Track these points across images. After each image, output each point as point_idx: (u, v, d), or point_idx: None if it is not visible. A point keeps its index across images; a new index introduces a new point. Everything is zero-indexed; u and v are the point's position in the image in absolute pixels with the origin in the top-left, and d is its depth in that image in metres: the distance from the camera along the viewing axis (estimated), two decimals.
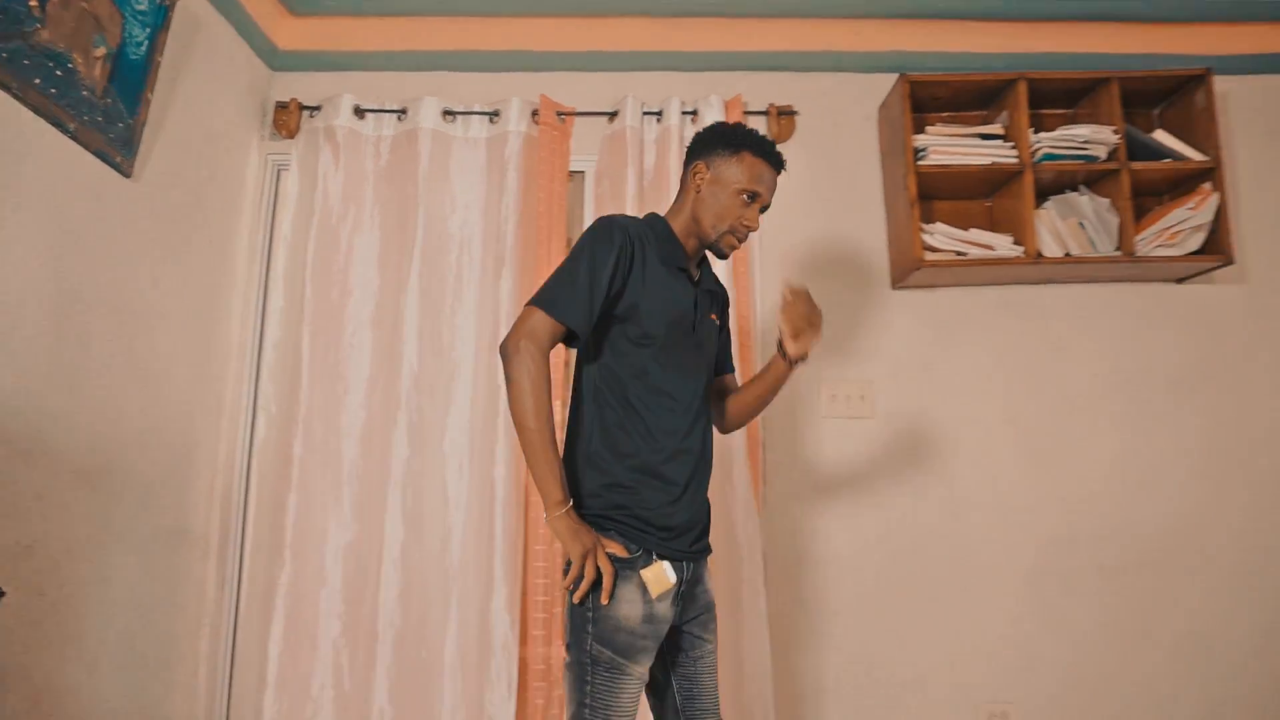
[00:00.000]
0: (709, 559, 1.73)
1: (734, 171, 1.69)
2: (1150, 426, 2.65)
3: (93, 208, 1.97)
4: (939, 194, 2.72)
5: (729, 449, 2.43)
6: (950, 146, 2.59)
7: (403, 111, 2.70)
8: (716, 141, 1.72)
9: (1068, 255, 2.53)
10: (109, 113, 1.97)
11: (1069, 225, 2.55)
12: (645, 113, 2.70)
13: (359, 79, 2.81)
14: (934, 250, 2.57)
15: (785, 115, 2.76)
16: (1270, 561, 2.58)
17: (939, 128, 2.64)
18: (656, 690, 1.70)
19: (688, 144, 1.81)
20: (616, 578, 1.52)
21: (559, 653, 2.46)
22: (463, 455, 2.51)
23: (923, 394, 2.67)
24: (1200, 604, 2.57)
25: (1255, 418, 2.66)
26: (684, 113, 2.69)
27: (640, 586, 1.53)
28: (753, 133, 1.72)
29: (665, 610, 1.56)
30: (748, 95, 2.76)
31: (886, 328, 2.70)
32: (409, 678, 2.40)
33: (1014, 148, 2.58)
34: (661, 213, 1.81)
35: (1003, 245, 2.55)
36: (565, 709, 1.54)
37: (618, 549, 1.54)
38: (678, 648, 1.66)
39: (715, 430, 1.85)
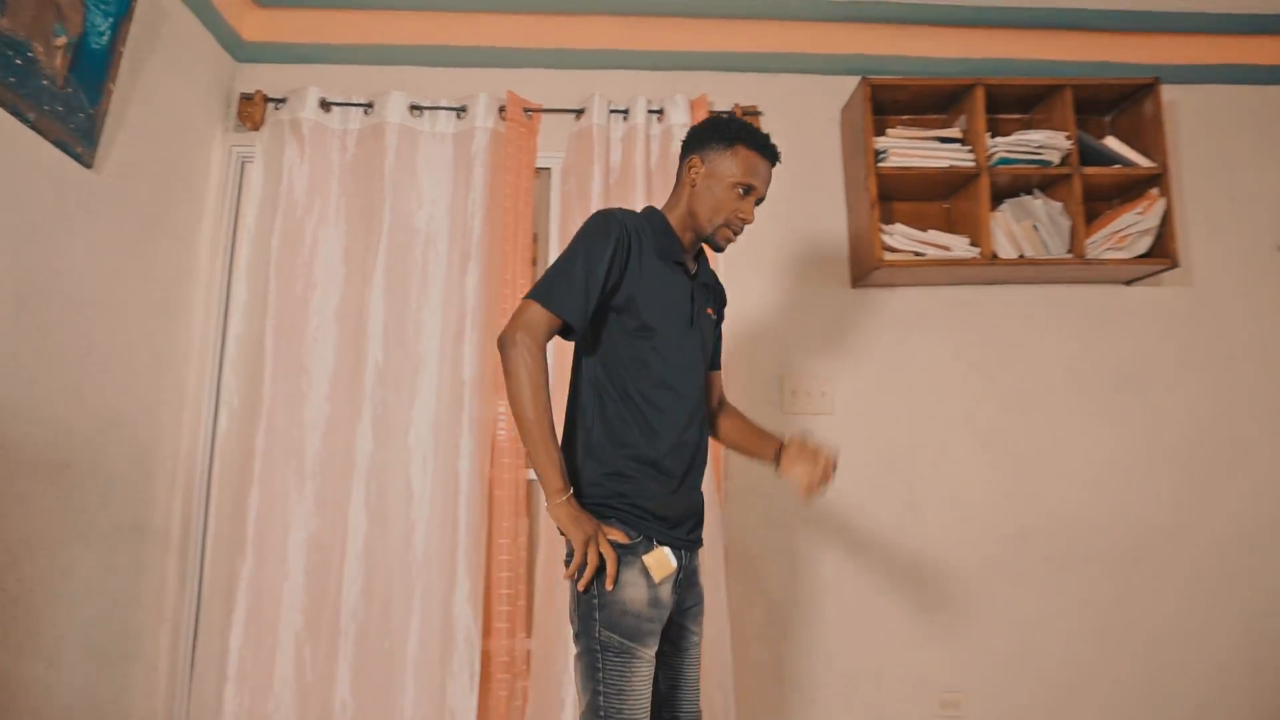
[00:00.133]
0: (699, 552, 1.76)
1: (728, 165, 1.70)
2: (1099, 424, 2.74)
3: (53, 199, 1.95)
4: (899, 195, 2.78)
5: None
6: (910, 149, 2.65)
7: (369, 105, 2.70)
8: (711, 135, 1.73)
9: (1022, 257, 2.60)
10: (70, 102, 1.95)
11: (1023, 228, 2.63)
12: (612, 111, 2.73)
13: (325, 72, 2.80)
14: (893, 250, 2.63)
15: (750, 115, 2.80)
16: (1207, 555, 2.69)
17: (899, 130, 2.70)
18: None
19: (681, 139, 1.82)
20: (619, 563, 1.54)
21: (522, 645, 2.49)
22: (427, 449, 2.52)
23: (881, 391, 2.73)
24: (1142, 596, 2.66)
25: (1197, 416, 2.76)
26: (650, 111, 2.72)
27: (643, 571, 1.55)
28: (747, 126, 1.74)
29: (667, 595, 1.59)
30: (713, 95, 2.79)
31: (847, 326, 2.76)
32: (371, 671, 2.41)
33: (971, 151, 2.64)
34: (640, 208, 1.83)
35: (959, 246, 2.62)
36: (580, 699, 1.55)
37: (619, 535, 1.56)
38: (666, 639, 1.67)
39: None
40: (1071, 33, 2.93)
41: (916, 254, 2.63)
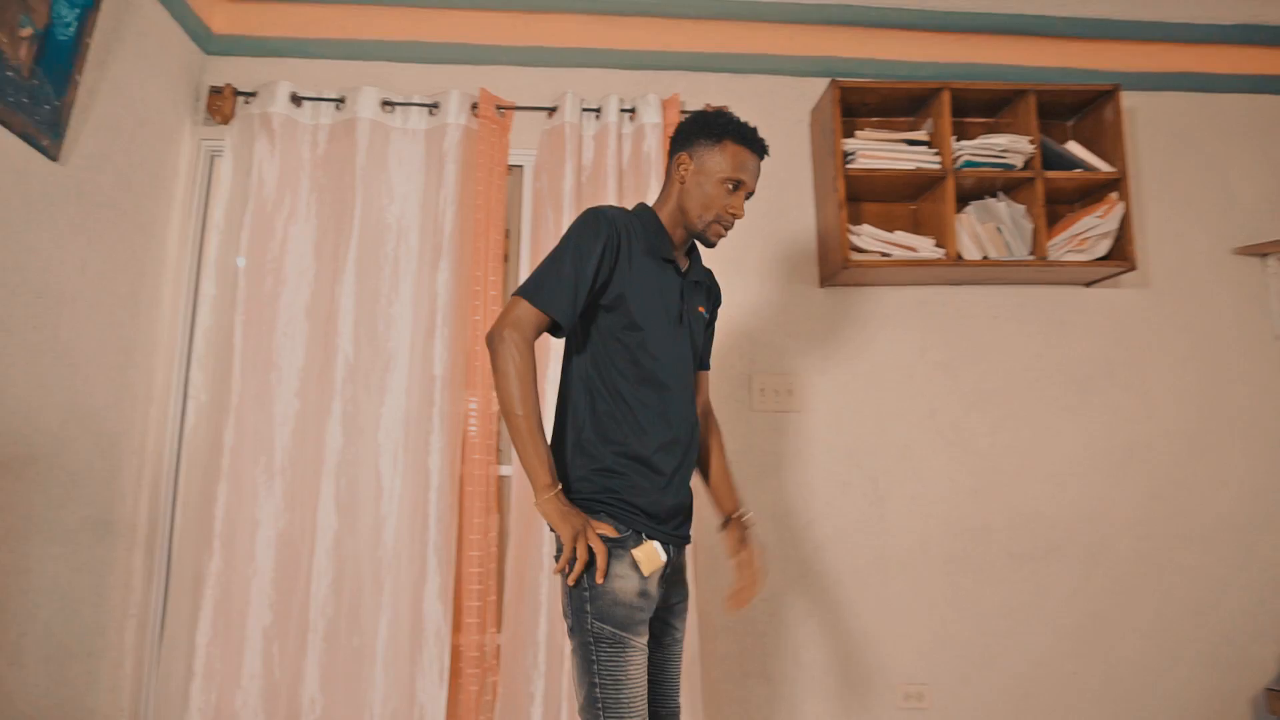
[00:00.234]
0: (686, 549, 1.77)
1: (717, 160, 1.70)
2: (1059, 422, 2.80)
3: (17, 191, 1.93)
4: (867, 196, 2.82)
5: None
6: (878, 151, 2.69)
7: (341, 100, 2.69)
8: (698, 131, 1.73)
9: (986, 258, 2.65)
10: (35, 94, 1.93)
11: (987, 230, 2.68)
12: (584, 109, 2.74)
13: (296, 66, 2.79)
14: (861, 251, 2.67)
15: None
16: (1161, 550, 2.76)
17: (868, 132, 2.74)
18: None
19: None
20: (609, 556, 1.55)
21: (493, 640, 2.50)
22: (397, 444, 2.52)
23: (849, 389, 2.78)
24: (1100, 589, 2.73)
25: (1153, 415, 2.83)
26: (622, 110, 2.74)
27: (632, 564, 1.57)
28: (734, 120, 1.74)
29: (654, 589, 1.60)
30: (685, 95, 2.82)
31: (815, 324, 2.80)
32: (341, 666, 2.41)
33: (937, 154, 2.69)
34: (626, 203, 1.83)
35: (925, 247, 2.67)
36: (577, 693, 1.56)
37: (608, 529, 1.57)
38: (649, 634, 1.68)
39: None
40: (1036, 39, 2.99)
41: (883, 254, 2.67)
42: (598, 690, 1.51)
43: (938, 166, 2.67)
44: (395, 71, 2.82)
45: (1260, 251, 2.90)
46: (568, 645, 1.60)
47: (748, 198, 1.76)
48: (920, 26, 2.95)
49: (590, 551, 1.53)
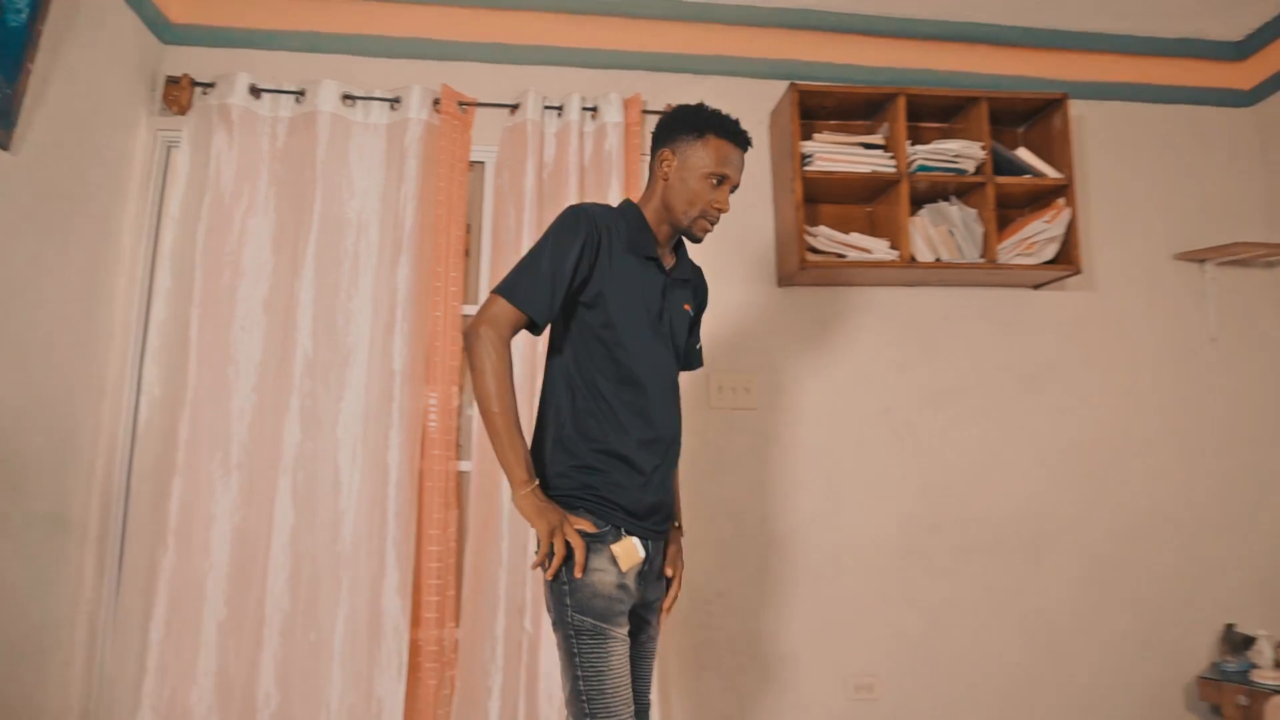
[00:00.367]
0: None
1: (700, 156, 1.69)
2: (1006, 420, 2.89)
3: None
4: (824, 198, 2.87)
5: None
6: (835, 154, 2.74)
7: (301, 93, 2.67)
8: (680, 126, 1.72)
9: (938, 260, 2.72)
10: None
11: (940, 233, 2.75)
12: (546, 107, 2.76)
13: (255, 58, 2.76)
14: (817, 252, 2.73)
15: None
16: (1103, 544, 2.86)
17: (825, 135, 2.79)
18: None
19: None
20: (587, 550, 1.55)
21: (451, 634, 2.51)
22: (356, 440, 2.52)
23: (804, 387, 2.83)
24: (1043, 582, 2.82)
25: (1097, 413, 2.93)
26: (584, 109, 2.76)
27: (611, 559, 1.58)
28: (716, 114, 1.72)
29: (633, 584, 1.61)
30: (647, 95, 2.84)
31: (772, 323, 2.85)
32: (297, 662, 2.40)
33: (893, 158, 2.75)
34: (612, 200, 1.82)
35: (880, 249, 2.73)
36: (563, 687, 1.56)
37: (586, 525, 1.57)
38: None
39: None
40: (989, 48, 3.07)
41: (839, 255, 2.73)
42: (581, 683, 1.52)
43: (893, 170, 2.73)
44: (356, 65, 2.81)
45: (1198, 257, 3.01)
46: (551, 638, 1.61)
47: (732, 191, 1.75)
48: (877, 32, 3.01)
49: (569, 546, 1.53)
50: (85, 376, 2.41)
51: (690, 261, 1.88)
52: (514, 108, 2.78)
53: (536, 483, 1.57)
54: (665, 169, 1.73)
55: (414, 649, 2.46)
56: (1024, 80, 3.08)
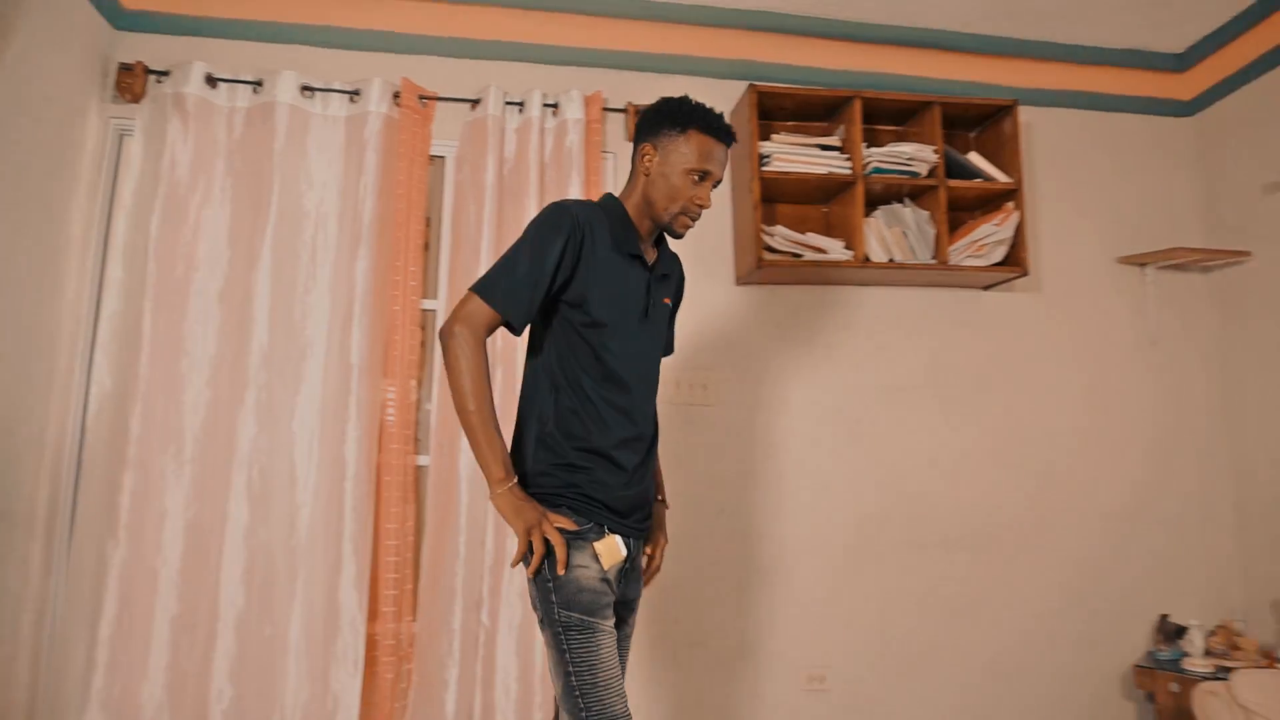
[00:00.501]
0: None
1: (682, 151, 1.66)
2: (955, 418, 2.97)
3: None
4: (781, 198, 2.92)
5: None
6: (792, 155, 2.79)
7: (259, 84, 2.65)
8: (663, 120, 1.69)
9: (891, 261, 2.79)
10: None
11: (894, 234, 2.81)
12: (508, 102, 2.76)
13: (212, 46, 2.72)
14: (774, 251, 2.77)
15: None
16: (1046, 538, 2.96)
17: (783, 136, 2.84)
18: None
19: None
20: (569, 545, 1.55)
21: (409, 628, 2.52)
22: (312, 434, 2.51)
23: (760, 383, 2.88)
24: (988, 575, 2.91)
25: (1042, 411, 3.02)
26: (545, 105, 2.77)
27: (594, 554, 1.57)
28: (699, 107, 1.69)
29: (614, 581, 1.62)
30: (608, 92, 2.87)
31: (729, 321, 2.89)
32: (252, 657, 2.39)
33: (849, 160, 2.81)
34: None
35: (835, 249, 2.78)
36: (554, 685, 1.54)
37: (566, 522, 1.56)
38: None
39: None
40: (943, 54, 3.14)
41: (795, 255, 2.78)
42: (573, 678, 1.50)
43: (848, 172, 2.79)
44: (315, 56, 2.78)
45: (1140, 261, 3.12)
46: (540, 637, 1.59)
47: (715, 186, 1.72)
48: (835, 36, 3.06)
49: (548, 543, 1.53)
50: (33, 368, 2.37)
51: (670, 252, 1.86)
52: (475, 103, 2.78)
53: (515, 480, 1.56)
54: (647, 164, 1.70)
55: (371, 643, 2.46)
56: (976, 86, 3.15)
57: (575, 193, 2.68)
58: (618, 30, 2.96)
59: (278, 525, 2.46)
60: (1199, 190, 3.25)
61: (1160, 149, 3.27)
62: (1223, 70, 3.12)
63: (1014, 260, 2.86)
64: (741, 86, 2.92)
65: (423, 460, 2.68)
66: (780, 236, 2.78)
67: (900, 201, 2.90)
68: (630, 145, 2.86)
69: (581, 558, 1.56)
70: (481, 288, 1.58)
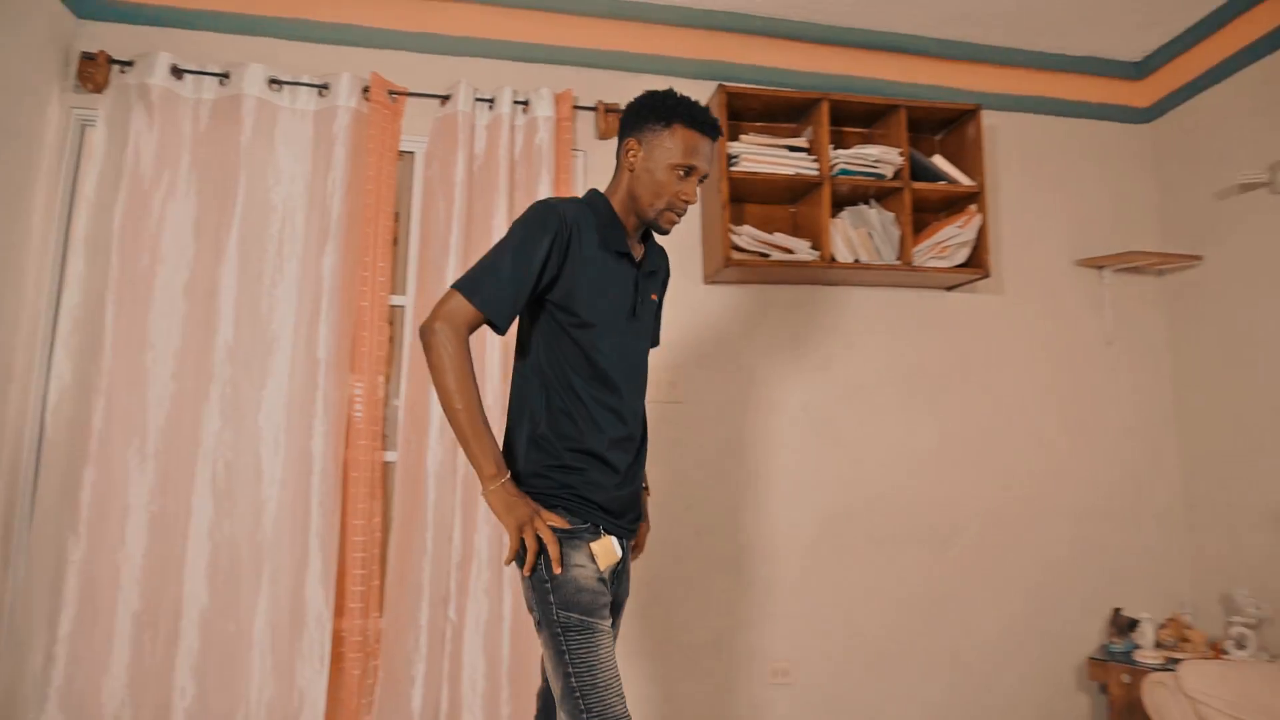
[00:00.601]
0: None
1: (667, 146, 1.63)
2: (919, 415, 3.02)
3: None
4: (749, 198, 2.95)
5: None
6: (761, 155, 2.82)
7: (225, 76, 2.62)
8: (647, 115, 1.66)
9: (857, 261, 2.83)
10: None
11: (860, 235, 2.85)
12: (477, 99, 2.76)
13: (177, 37, 2.68)
14: (741, 250, 2.80)
15: (612, 113, 2.90)
16: (1006, 534, 3.03)
17: (752, 137, 2.87)
18: None
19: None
20: (565, 545, 1.54)
21: (375, 624, 2.51)
22: (279, 429, 2.49)
23: (728, 381, 2.91)
24: (950, 570, 2.97)
25: (1003, 410, 3.09)
26: (516, 102, 2.77)
27: (590, 554, 1.56)
28: (684, 101, 1.66)
29: (608, 582, 1.61)
30: (578, 90, 2.88)
31: (697, 319, 2.92)
32: (215, 653, 2.38)
33: (816, 161, 2.84)
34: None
35: (802, 249, 2.82)
36: (554, 685, 1.52)
37: (559, 521, 1.55)
38: None
39: None
40: (909, 57, 3.19)
41: (763, 255, 2.81)
42: (573, 679, 1.48)
43: (816, 173, 2.82)
44: (284, 49, 2.76)
45: (1097, 264, 3.20)
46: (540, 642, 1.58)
47: (701, 181, 1.70)
48: (803, 38, 3.10)
49: (542, 542, 1.51)
50: None
51: (657, 247, 1.84)
52: (445, 99, 2.78)
53: (507, 475, 1.55)
54: (631, 159, 1.68)
55: (337, 639, 2.45)
56: (941, 90, 3.21)
57: (545, 190, 2.69)
58: (589, 28, 2.97)
59: (243, 520, 2.44)
60: (1154, 195, 3.34)
61: (1118, 154, 3.35)
62: (1179, 79, 3.20)
63: (977, 262, 2.92)
64: (711, 87, 2.95)
65: (390, 456, 2.67)
66: (748, 236, 2.81)
67: (866, 203, 2.95)
68: (600, 143, 2.92)
69: (579, 557, 1.56)
70: (464, 285, 1.55)
